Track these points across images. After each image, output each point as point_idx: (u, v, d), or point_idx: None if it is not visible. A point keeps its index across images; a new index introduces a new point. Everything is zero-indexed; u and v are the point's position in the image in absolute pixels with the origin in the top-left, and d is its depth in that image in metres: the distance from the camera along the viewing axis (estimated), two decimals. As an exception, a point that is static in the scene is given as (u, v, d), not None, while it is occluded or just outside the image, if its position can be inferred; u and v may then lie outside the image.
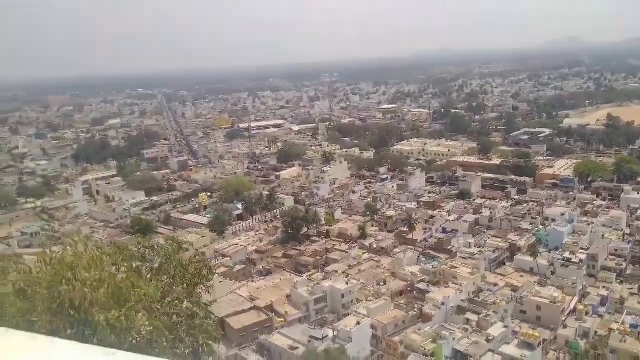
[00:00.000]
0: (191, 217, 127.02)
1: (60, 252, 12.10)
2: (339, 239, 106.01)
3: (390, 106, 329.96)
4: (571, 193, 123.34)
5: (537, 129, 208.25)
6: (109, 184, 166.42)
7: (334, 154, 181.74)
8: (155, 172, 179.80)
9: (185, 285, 14.98)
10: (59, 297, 10.40)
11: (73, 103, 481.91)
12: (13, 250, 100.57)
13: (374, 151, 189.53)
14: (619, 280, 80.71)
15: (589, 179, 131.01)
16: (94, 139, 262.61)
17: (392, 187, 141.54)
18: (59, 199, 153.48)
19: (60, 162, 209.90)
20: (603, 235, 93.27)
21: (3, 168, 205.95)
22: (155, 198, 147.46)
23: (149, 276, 14.41)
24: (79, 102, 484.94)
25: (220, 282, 76.55)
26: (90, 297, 10.61)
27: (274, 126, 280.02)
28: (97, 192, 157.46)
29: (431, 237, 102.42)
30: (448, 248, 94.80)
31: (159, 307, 12.59)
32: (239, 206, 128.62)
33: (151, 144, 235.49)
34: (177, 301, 13.78)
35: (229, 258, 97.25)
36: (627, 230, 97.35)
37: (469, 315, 68.63)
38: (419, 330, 65.53)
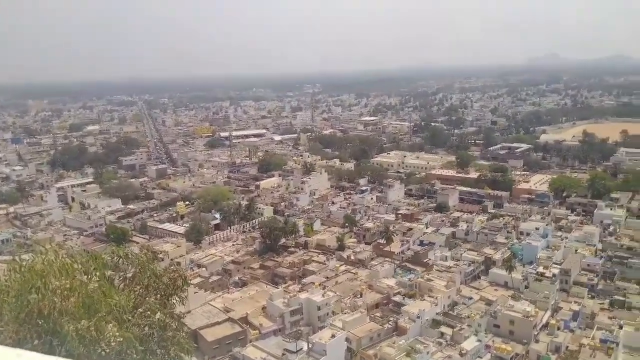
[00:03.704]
0: (168, 226, 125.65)
1: (30, 260, 11.98)
2: (317, 250, 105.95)
3: (372, 118, 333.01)
4: (546, 208, 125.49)
5: (514, 144, 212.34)
6: (85, 191, 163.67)
7: (315, 164, 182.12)
8: (132, 180, 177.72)
9: (158, 295, 14.90)
10: (27, 305, 10.32)
11: (51, 108, 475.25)
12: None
13: (355, 162, 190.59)
14: (590, 295, 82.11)
15: (564, 194, 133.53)
16: (71, 145, 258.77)
17: (372, 198, 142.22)
18: (32, 206, 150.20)
19: (36, 168, 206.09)
20: (576, 250, 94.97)
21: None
22: (131, 206, 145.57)
23: (121, 286, 14.33)
24: (57, 108, 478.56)
25: (195, 292, 75.81)
26: (59, 306, 10.54)
27: (255, 135, 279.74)
28: (72, 199, 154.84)
29: (408, 249, 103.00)
30: (425, 261, 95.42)
31: (130, 317, 12.52)
32: (217, 216, 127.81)
33: (130, 151, 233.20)
34: (149, 312, 13.70)
35: (204, 268, 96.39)
36: (600, 246, 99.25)
37: (443, 328, 69.11)
38: (394, 343, 65.66)
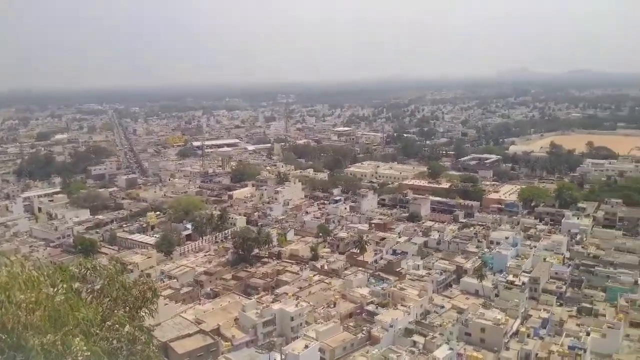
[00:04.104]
0: (138, 236, 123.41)
1: (-6, 273, 11.67)
2: (290, 261, 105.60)
3: (345, 129, 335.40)
4: (515, 217, 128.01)
5: (484, 155, 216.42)
6: (52, 201, 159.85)
7: (289, 174, 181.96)
8: (101, 190, 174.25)
9: (127, 308, 14.67)
10: (-10, 320, 10.04)
11: (18, 116, 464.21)
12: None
13: (328, 172, 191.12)
14: (558, 303, 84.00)
15: (532, 204, 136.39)
16: (39, 154, 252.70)
17: (345, 208, 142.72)
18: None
19: (1, 177, 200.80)
20: (544, 259, 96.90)
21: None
22: (100, 216, 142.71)
23: (89, 298, 14.06)
24: (25, 116, 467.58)
25: (165, 304, 74.72)
26: (24, 320, 10.30)
27: (229, 145, 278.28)
28: (39, 209, 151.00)
29: (381, 258, 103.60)
30: (397, 270, 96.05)
31: (98, 331, 12.29)
32: (189, 226, 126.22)
33: (99, 161, 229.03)
34: (117, 325, 13.47)
35: (175, 280, 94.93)
36: (567, 254, 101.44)
37: (415, 337, 69.52)
38: (367, 353, 65.73)
